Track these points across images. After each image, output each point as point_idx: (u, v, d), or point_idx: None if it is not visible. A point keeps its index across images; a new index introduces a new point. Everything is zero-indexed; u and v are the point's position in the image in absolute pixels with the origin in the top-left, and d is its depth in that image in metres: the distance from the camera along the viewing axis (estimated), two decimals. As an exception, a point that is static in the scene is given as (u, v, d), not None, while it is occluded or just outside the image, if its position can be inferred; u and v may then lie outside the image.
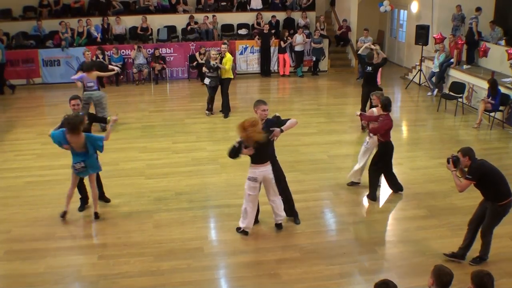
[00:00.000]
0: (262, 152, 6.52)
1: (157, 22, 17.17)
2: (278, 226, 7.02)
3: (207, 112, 12.47)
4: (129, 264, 6.26)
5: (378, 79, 12.57)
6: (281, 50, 17.02)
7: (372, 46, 11.73)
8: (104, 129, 11.17)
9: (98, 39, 16.22)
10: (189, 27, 17.08)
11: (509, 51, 12.35)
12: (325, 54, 17.57)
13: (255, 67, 17.40)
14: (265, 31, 16.85)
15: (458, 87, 13.13)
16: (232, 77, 12.64)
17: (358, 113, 8.54)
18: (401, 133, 11.67)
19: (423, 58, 15.50)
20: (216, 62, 11.99)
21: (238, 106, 13.01)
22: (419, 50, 15.63)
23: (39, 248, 6.64)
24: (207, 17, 17.17)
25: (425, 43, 15.12)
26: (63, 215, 7.32)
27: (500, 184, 5.94)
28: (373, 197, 8.02)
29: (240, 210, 6.95)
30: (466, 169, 5.99)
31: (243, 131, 6.26)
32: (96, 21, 16.61)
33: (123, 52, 16.14)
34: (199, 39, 16.89)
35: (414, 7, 17.27)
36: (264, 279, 6.00)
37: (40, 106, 13.68)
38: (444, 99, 13.20)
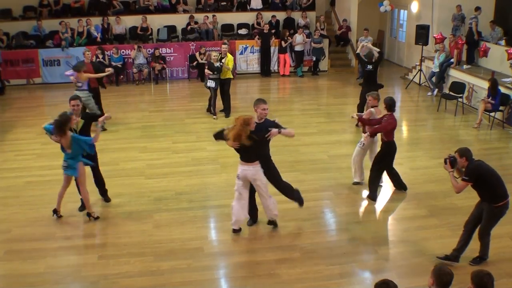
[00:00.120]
0: (246, 152, 6.53)
1: (157, 22, 17.17)
2: (270, 223, 7.01)
3: (214, 117, 12.29)
4: (129, 264, 6.26)
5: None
6: (282, 50, 17.01)
7: (367, 44, 11.78)
8: (103, 129, 11.22)
9: (98, 39, 16.22)
10: (189, 27, 17.08)
11: (509, 51, 12.34)
12: (325, 54, 17.57)
13: (255, 67, 17.40)
14: (265, 31, 16.85)
15: (458, 87, 13.13)
16: (232, 77, 12.65)
17: (354, 115, 8.49)
18: (401, 133, 11.67)
19: (423, 58, 15.50)
20: (222, 63, 11.93)
21: (238, 106, 13.00)
22: (419, 50, 15.63)
23: (39, 248, 6.64)
24: (207, 17, 17.17)
25: (425, 43, 15.12)
26: (54, 212, 7.35)
27: (496, 186, 5.93)
28: (373, 197, 8.03)
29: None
30: (463, 169, 5.97)
31: (235, 125, 6.35)
32: (96, 21, 16.62)
33: (123, 52, 16.14)
34: (199, 39, 16.89)
35: (414, 7, 17.26)
36: (264, 279, 6.00)
37: (40, 106, 13.68)
38: (444, 99, 13.20)
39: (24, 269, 6.17)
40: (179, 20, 17.43)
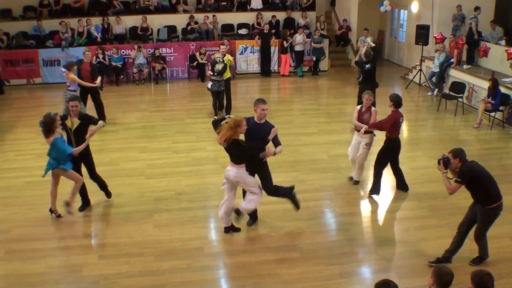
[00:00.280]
0: (230, 154, 6.55)
1: (157, 22, 17.17)
2: (236, 211, 6.77)
3: (215, 117, 12.26)
4: (129, 264, 6.26)
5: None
6: (284, 50, 17.01)
7: (371, 44, 11.79)
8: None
9: (98, 39, 16.22)
10: (189, 27, 17.08)
11: (508, 51, 12.34)
12: (325, 54, 17.57)
13: (255, 67, 17.40)
14: (265, 31, 16.85)
15: (458, 87, 13.13)
16: (231, 76, 12.65)
17: (366, 128, 8.03)
18: (401, 133, 11.61)
19: (423, 58, 15.50)
20: (221, 60, 11.87)
21: (238, 106, 13.00)
22: (419, 50, 15.63)
23: (39, 248, 6.64)
24: (207, 17, 17.17)
25: (425, 43, 15.12)
26: (51, 212, 7.37)
27: (490, 187, 5.89)
28: (377, 191, 8.09)
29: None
30: (457, 170, 5.94)
31: (227, 124, 6.37)
32: (96, 21, 16.62)
33: (123, 52, 16.14)
34: (199, 39, 16.89)
35: (414, 7, 17.26)
36: (264, 279, 6.00)
37: (40, 106, 13.67)
38: (444, 99, 13.20)
39: (24, 269, 6.17)
40: (179, 20, 17.43)
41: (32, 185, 8.45)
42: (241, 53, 17.15)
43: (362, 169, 8.46)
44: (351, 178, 8.61)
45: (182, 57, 16.79)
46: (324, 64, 17.79)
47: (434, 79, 14.63)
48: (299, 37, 16.89)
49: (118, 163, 9.49)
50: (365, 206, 7.98)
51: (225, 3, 18.05)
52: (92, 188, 7.90)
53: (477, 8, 14.21)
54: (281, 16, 17.85)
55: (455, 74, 14.08)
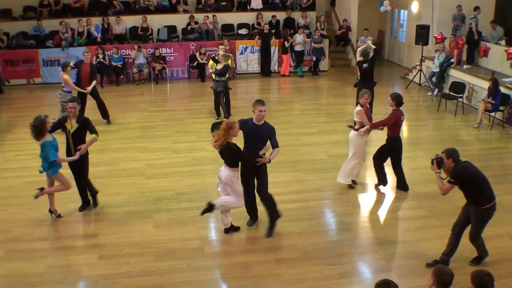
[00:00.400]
0: (222, 157, 6.59)
1: (157, 22, 17.17)
2: (207, 205, 6.75)
3: (216, 117, 12.18)
4: (129, 264, 6.26)
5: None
6: (284, 50, 17.01)
7: (371, 46, 11.78)
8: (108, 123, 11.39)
9: (98, 39, 16.23)
10: (189, 27, 17.09)
11: (508, 51, 12.34)
12: (325, 54, 17.57)
13: (255, 67, 17.40)
14: (265, 31, 16.85)
15: (459, 87, 13.13)
16: (228, 76, 12.64)
17: (367, 128, 8.03)
18: (401, 133, 11.61)
19: (423, 58, 15.50)
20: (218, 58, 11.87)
21: (238, 106, 13.00)
22: (419, 50, 15.63)
23: (39, 248, 6.65)
24: (207, 17, 17.17)
25: (425, 43, 15.12)
26: (51, 212, 7.37)
27: (483, 188, 5.87)
28: (384, 182, 8.24)
29: (240, 210, 6.96)
30: (450, 170, 5.91)
31: (221, 128, 6.38)
32: (96, 21, 16.62)
33: (123, 52, 16.15)
34: (199, 39, 16.90)
35: (414, 7, 17.26)
36: (264, 279, 6.00)
37: (40, 106, 13.67)
38: (444, 99, 13.20)
39: (24, 269, 6.17)
40: (179, 20, 17.44)
41: (32, 185, 8.40)
42: (241, 53, 17.15)
43: (344, 170, 8.34)
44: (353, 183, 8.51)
45: (182, 57, 16.79)
46: (324, 64, 17.80)
47: (434, 79, 14.63)
48: (299, 37, 16.89)
49: (118, 163, 9.49)
50: (365, 206, 7.98)
51: (225, 3, 18.05)
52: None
53: (476, 8, 14.21)
54: (281, 16, 17.85)
55: (455, 74, 14.08)
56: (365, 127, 7.93)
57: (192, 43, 16.74)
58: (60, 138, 7.33)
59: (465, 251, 6.21)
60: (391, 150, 8.16)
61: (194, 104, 13.81)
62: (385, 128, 8.15)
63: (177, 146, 10.43)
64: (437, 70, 14.45)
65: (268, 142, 6.64)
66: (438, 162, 5.97)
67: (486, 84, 12.19)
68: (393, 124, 7.93)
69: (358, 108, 8.12)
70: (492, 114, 11.78)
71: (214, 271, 6.23)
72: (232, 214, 7.03)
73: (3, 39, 15.97)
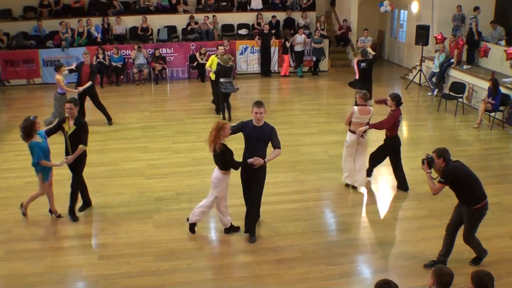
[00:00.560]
0: (215, 160, 6.57)
1: (157, 22, 17.18)
2: (188, 221, 6.98)
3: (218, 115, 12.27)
4: (129, 264, 6.26)
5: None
6: (285, 51, 17.01)
7: (372, 52, 11.87)
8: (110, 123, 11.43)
9: (99, 39, 16.23)
10: (189, 27, 17.09)
11: (508, 51, 12.34)
12: (325, 54, 17.57)
13: (255, 67, 17.40)
14: (265, 31, 16.85)
15: (458, 87, 13.14)
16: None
17: (366, 129, 8.01)
18: (401, 133, 11.64)
19: (423, 58, 15.50)
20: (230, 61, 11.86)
21: (238, 106, 13.00)
22: (419, 50, 15.63)
23: (39, 248, 6.65)
24: (208, 17, 17.18)
25: (425, 43, 15.12)
26: (51, 212, 7.39)
27: (473, 187, 5.85)
28: (369, 173, 8.44)
29: (240, 210, 6.96)
30: (441, 169, 5.89)
31: (212, 128, 6.41)
32: (96, 21, 16.63)
33: (123, 52, 16.15)
34: (199, 39, 16.90)
35: (414, 7, 17.26)
36: (264, 279, 6.00)
37: (40, 106, 13.67)
38: (444, 99, 13.20)
39: (24, 269, 6.17)
40: (179, 20, 17.44)
41: (32, 185, 8.41)
42: (241, 53, 17.15)
43: (359, 170, 8.30)
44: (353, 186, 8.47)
45: (182, 57, 16.79)
46: (324, 64, 17.80)
47: (434, 79, 14.63)
48: (299, 37, 16.89)
49: (118, 163, 9.49)
50: (365, 206, 7.97)
51: (225, 3, 18.05)
52: (92, 188, 7.91)
53: (476, 8, 14.22)
54: (281, 16, 17.85)
55: (455, 74, 14.08)
56: (364, 127, 7.92)
57: (192, 43, 16.75)
58: (60, 139, 7.33)
59: (464, 251, 6.21)
60: (389, 150, 8.19)
61: (194, 104, 13.81)
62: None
63: (177, 146, 10.44)
64: (437, 70, 14.45)
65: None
66: (428, 162, 5.96)
67: (486, 84, 12.19)
68: (393, 124, 7.92)
69: (354, 108, 8.11)
70: (492, 114, 11.78)
71: (214, 271, 6.23)
72: (232, 214, 7.03)
73: (3, 39, 15.97)
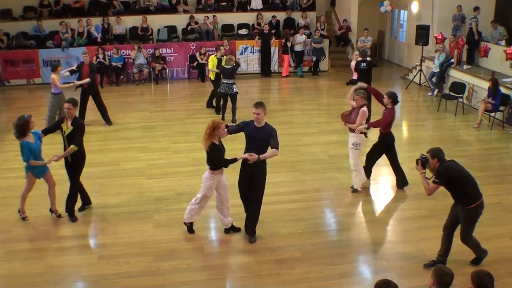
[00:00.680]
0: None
1: (157, 22, 17.18)
2: (185, 224, 7.01)
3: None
4: (129, 264, 6.26)
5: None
6: (285, 51, 17.01)
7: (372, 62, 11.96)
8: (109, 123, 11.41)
9: (99, 39, 16.23)
10: (189, 27, 17.09)
11: (507, 51, 12.34)
12: (325, 54, 17.57)
13: (255, 67, 17.40)
14: (265, 31, 16.85)
15: (459, 87, 13.13)
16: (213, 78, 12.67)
17: (362, 128, 8.01)
18: (401, 133, 11.67)
19: (423, 58, 15.50)
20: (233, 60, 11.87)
21: (238, 106, 12.97)
22: (419, 50, 15.63)
23: (39, 248, 6.65)
24: (208, 17, 17.17)
25: (426, 43, 15.12)
26: (51, 212, 7.39)
27: (468, 187, 5.84)
28: (368, 174, 8.44)
29: (239, 210, 6.96)
30: (435, 169, 5.88)
31: (207, 126, 6.38)
32: (97, 21, 16.62)
33: (123, 52, 16.14)
34: (199, 39, 16.89)
35: (415, 7, 17.26)
36: (264, 279, 6.00)
37: (40, 106, 13.64)
38: (445, 99, 13.20)
39: (24, 269, 6.17)
40: (179, 20, 17.44)
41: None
42: (241, 53, 17.14)
43: (360, 173, 8.26)
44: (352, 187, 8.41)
45: (182, 57, 16.79)
46: (324, 64, 17.79)
47: (434, 79, 14.63)
48: (300, 37, 16.88)
49: (118, 163, 9.49)
50: (365, 206, 7.97)
51: (225, 3, 18.05)
52: (92, 188, 7.91)
53: (476, 8, 14.22)
54: (281, 16, 17.85)
55: (455, 74, 14.08)
56: (362, 126, 7.92)
57: (192, 43, 16.75)
58: (59, 139, 7.33)
59: (464, 251, 6.21)
60: (384, 147, 8.22)
61: (194, 104, 13.81)
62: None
63: (177, 146, 10.44)
64: (437, 70, 14.45)
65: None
66: (422, 162, 5.94)
67: (486, 84, 12.19)
68: (389, 122, 8.01)
69: (364, 109, 8.10)
70: (492, 114, 11.78)
71: (214, 271, 6.23)
72: (233, 214, 7.03)
73: (3, 39, 15.97)
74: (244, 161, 6.51)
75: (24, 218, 7.34)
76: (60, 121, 7.28)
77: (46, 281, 5.96)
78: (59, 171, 7.57)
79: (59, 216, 7.38)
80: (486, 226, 6.96)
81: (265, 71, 17.21)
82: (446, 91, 13.73)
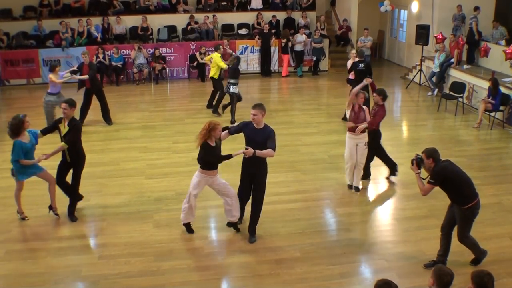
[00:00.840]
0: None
1: (157, 22, 17.18)
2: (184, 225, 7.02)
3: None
4: (129, 264, 6.27)
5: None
6: (285, 51, 17.01)
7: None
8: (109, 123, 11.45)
9: (99, 39, 16.23)
10: (189, 27, 17.09)
11: (507, 51, 12.34)
12: (325, 54, 17.57)
13: (255, 67, 17.40)
14: (265, 31, 16.85)
15: (459, 87, 13.13)
16: (215, 77, 12.66)
17: (365, 127, 8.01)
18: (401, 133, 11.68)
19: (423, 58, 15.49)
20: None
21: (238, 106, 12.97)
22: (419, 50, 15.63)
23: (39, 248, 6.65)
24: (208, 17, 17.17)
25: (426, 43, 15.12)
26: (50, 209, 7.40)
27: (463, 187, 5.83)
28: (367, 175, 8.52)
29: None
30: (431, 169, 5.87)
31: (203, 127, 6.41)
32: (97, 21, 16.62)
33: (123, 52, 16.14)
34: (199, 39, 16.89)
35: (415, 7, 17.26)
36: (264, 279, 6.00)
37: (40, 106, 13.56)
38: (445, 99, 13.20)
39: (24, 269, 6.18)
40: (179, 20, 17.44)
41: (32, 185, 8.41)
42: (241, 53, 17.12)
43: (368, 169, 8.48)
44: (351, 187, 8.38)
45: (182, 57, 16.79)
46: (324, 64, 17.79)
47: (434, 79, 14.63)
48: (300, 37, 16.88)
49: (118, 163, 9.49)
50: (365, 206, 7.98)
51: (225, 3, 18.05)
52: (92, 188, 7.92)
53: (476, 8, 14.22)
54: (281, 16, 17.85)
55: (455, 74, 14.08)
56: (362, 125, 7.92)
57: (192, 43, 16.74)
58: (57, 139, 7.32)
59: (464, 251, 6.21)
60: (375, 142, 8.29)
61: (194, 104, 13.80)
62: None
63: (177, 146, 10.44)
64: (437, 70, 14.45)
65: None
66: (418, 162, 5.93)
67: (486, 84, 12.19)
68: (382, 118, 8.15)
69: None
70: (492, 114, 11.78)
71: (214, 271, 6.23)
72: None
73: (3, 39, 15.97)
74: (245, 161, 6.52)
75: (23, 218, 7.34)
76: (58, 121, 7.28)
77: (46, 281, 5.96)
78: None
79: (57, 215, 7.37)
80: (486, 226, 6.97)
81: (265, 71, 17.21)
82: (446, 91, 13.73)
